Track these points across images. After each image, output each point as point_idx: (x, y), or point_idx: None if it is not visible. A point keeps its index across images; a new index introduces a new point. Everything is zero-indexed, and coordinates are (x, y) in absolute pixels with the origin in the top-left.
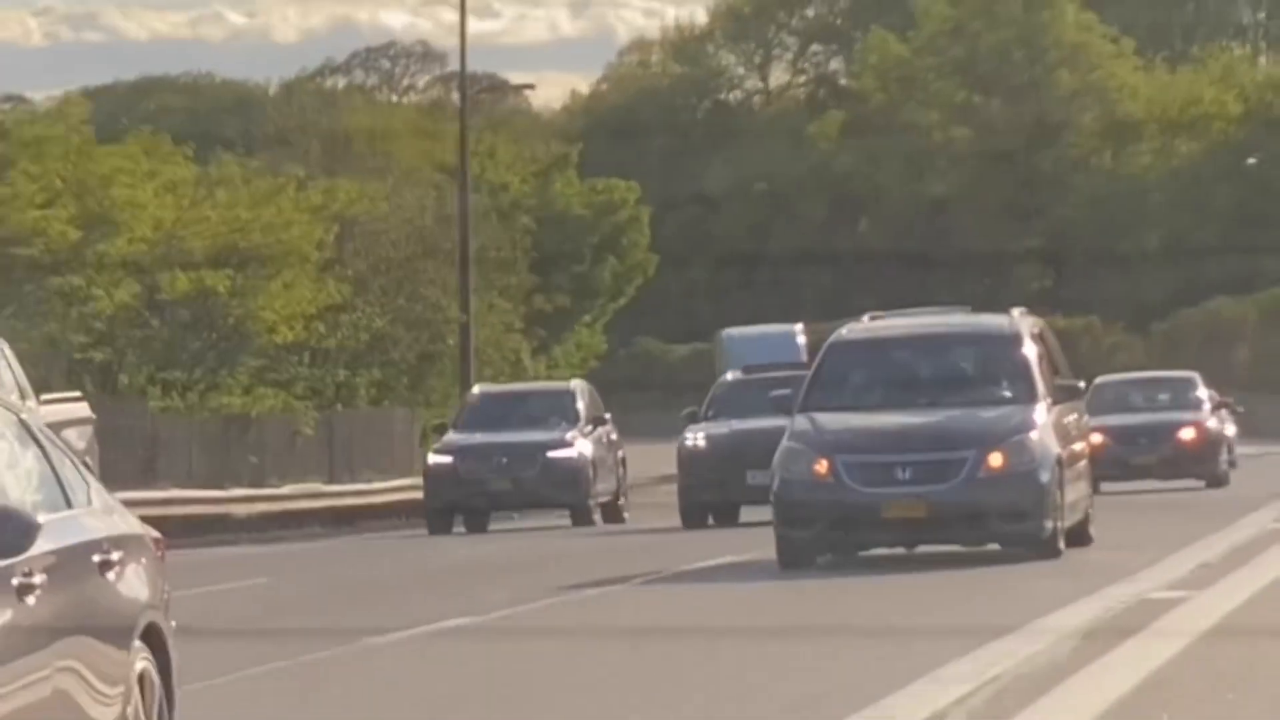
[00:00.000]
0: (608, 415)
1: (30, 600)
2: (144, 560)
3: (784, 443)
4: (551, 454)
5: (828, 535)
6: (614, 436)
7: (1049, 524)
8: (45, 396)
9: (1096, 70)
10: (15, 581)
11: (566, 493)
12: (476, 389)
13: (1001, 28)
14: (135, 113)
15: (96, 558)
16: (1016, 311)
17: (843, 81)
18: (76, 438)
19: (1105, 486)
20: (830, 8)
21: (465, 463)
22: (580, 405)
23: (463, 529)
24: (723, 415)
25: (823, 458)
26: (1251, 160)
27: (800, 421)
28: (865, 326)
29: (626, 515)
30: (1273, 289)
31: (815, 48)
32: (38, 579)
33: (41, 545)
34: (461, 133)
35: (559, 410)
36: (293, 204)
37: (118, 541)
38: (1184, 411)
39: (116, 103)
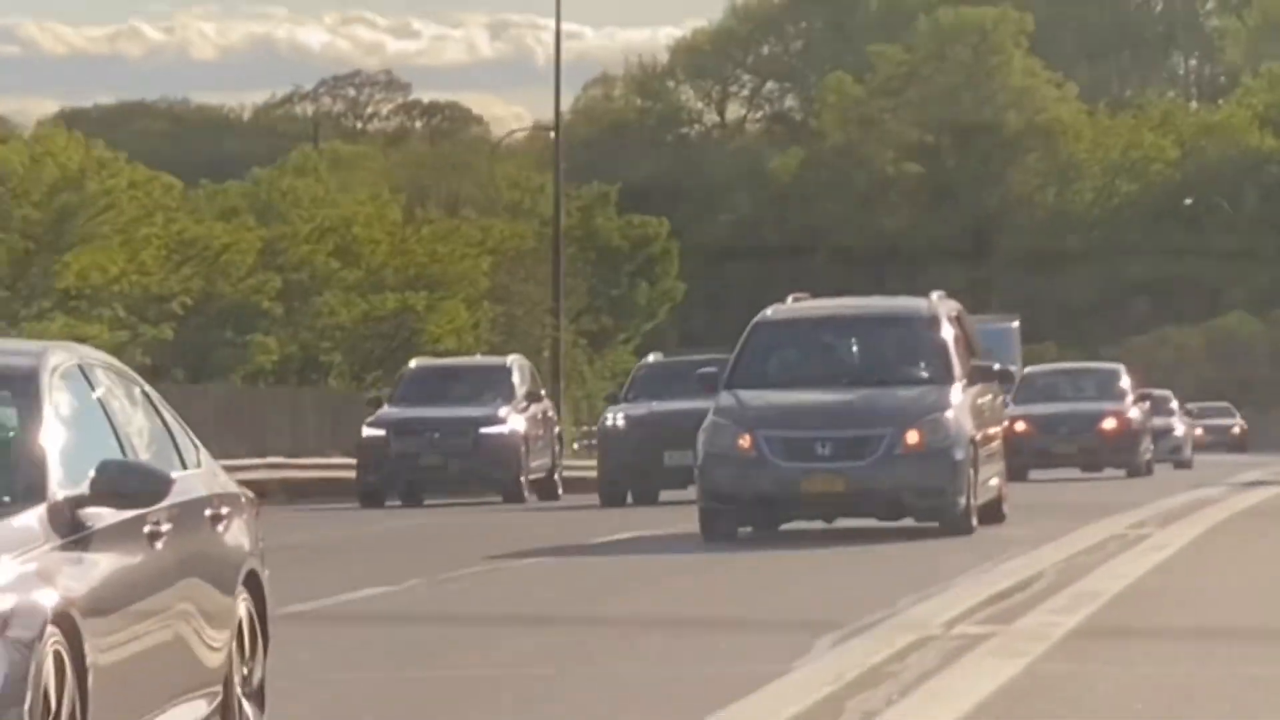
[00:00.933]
0: (543, 392)
1: (158, 545)
2: (244, 516)
3: (709, 418)
4: (484, 430)
5: (749, 509)
6: (550, 414)
7: (962, 500)
8: None
9: (1042, 113)
10: (147, 529)
11: (498, 469)
12: (414, 362)
13: (952, 72)
14: (119, 136)
15: (208, 511)
16: (935, 295)
17: (797, 117)
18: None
19: (1030, 475)
20: (785, 47)
21: (398, 438)
22: (516, 381)
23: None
24: (643, 397)
25: (746, 433)
26: (1188, 201)
27: (725, 398)
28: (789, 307)
29: (560, 492)
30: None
31: (770, 85)
32: (164, 527)
33: (166, 499)
34: (556, 176)
35: (494, 386)
36: (464, 239)
37: (223, 498)
38: (1106, 402)
39: (93, 125)
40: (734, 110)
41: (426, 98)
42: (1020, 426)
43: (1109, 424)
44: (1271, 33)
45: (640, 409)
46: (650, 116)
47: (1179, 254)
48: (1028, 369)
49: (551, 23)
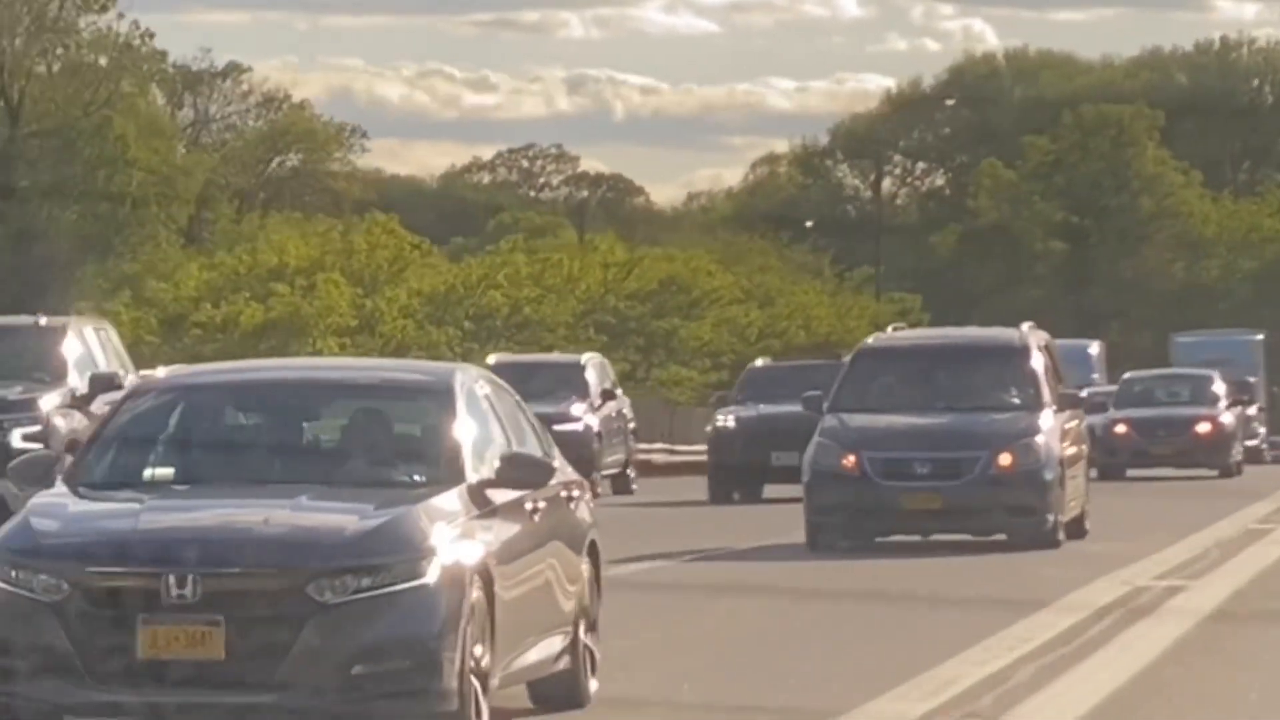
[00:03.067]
0: (618, 390)
1: (536, 518)
2: (585, 497)
3: (815, 439)
4: (557, 427)
5: (852, 523)
6: (625, 410)
7: (1051, 518)
8: (142, 373)
9: (1170, 197)
10: (529, 505)
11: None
12: (492, 359)
13: (1093, 160)
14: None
15: (564, 493)
16: (1025, 326)
17: (947, 193)
18: None
19: (1128, 473)
20: (935, 133)
21: None
22: (590, 378)
23: None
24: (752, 400)
25: (849, 453)
26: None
27: (830, 420)
28: (889, 336)
29: (634, 487)
30: None
31: (920, 165)
32: (540, 504)
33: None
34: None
35: (569, 383)
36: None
37: (572, 483)
38: (1201, 407)
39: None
40: (886, 188)
41: (593, 169)
42: (1121, 429)
43: (1203, 428)
44: None
45: (750, 411)
46: (813, 191)
47: None
48: (1126, 375)
49: (629, 76)
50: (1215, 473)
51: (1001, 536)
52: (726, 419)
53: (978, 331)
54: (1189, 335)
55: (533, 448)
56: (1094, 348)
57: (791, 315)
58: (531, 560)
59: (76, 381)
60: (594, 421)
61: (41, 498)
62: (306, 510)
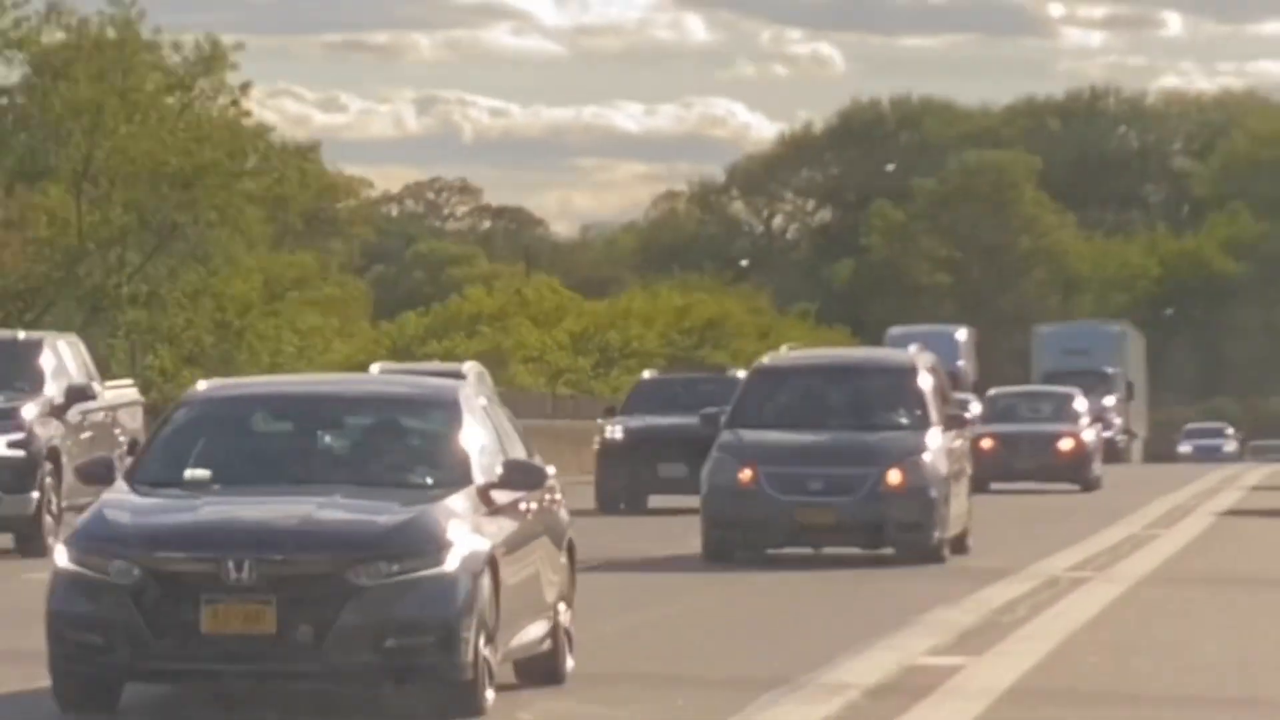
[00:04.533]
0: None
1: (529, 516)
2: (562, 498)
3: (713, 454)
4: None
5: (747, 535)
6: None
7: (936, 534)
8: (109, 383)
9: (1045, 237)
10: (522, 506)
11: None
12: (375, 367)
13: (976, 201)
14: None
15: (549, 495)
16: (914, 347)
17: (834, 231)
18: (129, 416)
19: (992, 486)
20: (824, 172)
21: None
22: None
23: None
24: (640, 412)
25: (746, 468)
26: (1169, 311)
27: (727, 436)
28: (785, 356)
29: None
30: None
31: (810, 202)
32: (532, 505)
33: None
34: None
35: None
36: None
37: (553, 486)
38: (1063, 424)
39: None
40: (778, 224)
41: (495, 201)
42: (987, 443)
43: (1065, 444)
44: (1229, 176)
45: (638, 422)
46: (710, 226)
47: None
48: (992, 391)
49: (479, 98)
50: (1077, 487)
51: (890, 551)
52: (614, 430)
53: (869, 352)
54: (1050, 326)
55: (521, 452)
56: (961, 334)
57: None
58: (526, 553)
59: (53, 392)
60: None
61: (110, 494)
62: (342, 507)
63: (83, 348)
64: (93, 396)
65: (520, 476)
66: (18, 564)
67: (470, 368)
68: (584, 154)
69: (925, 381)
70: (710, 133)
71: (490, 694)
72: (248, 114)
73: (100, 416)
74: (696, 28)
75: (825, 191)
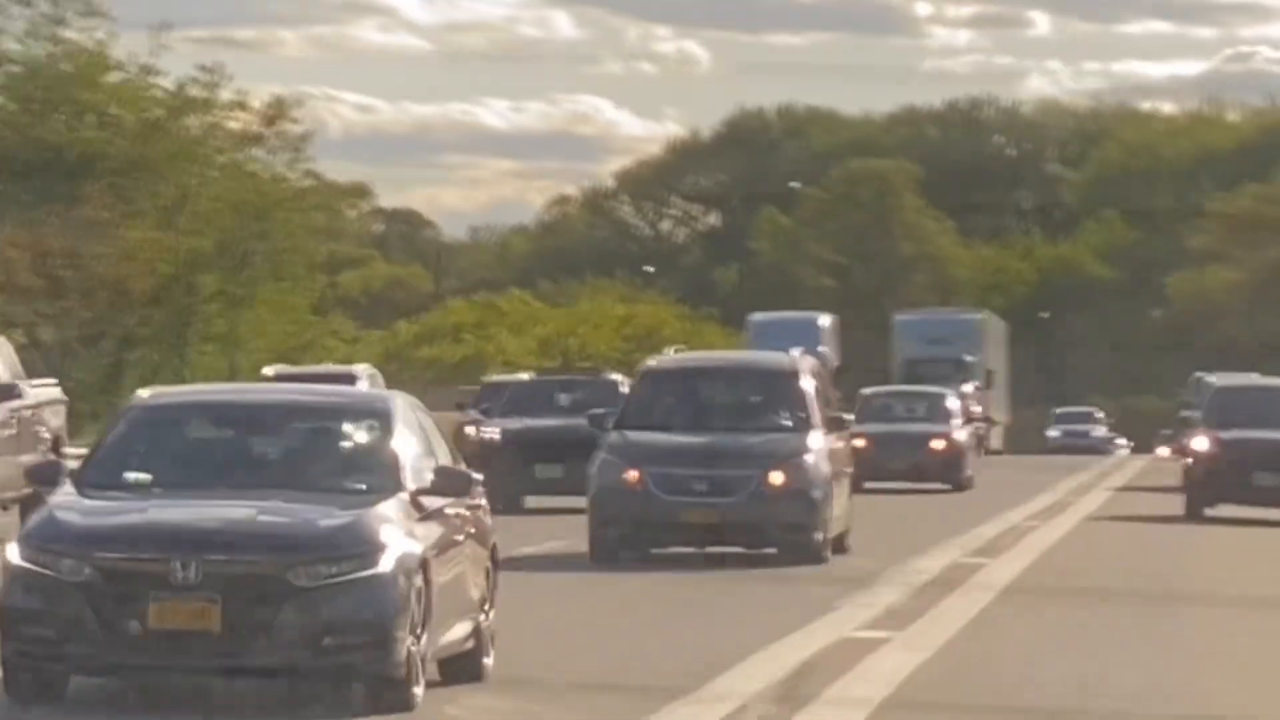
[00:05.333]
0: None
1: (456, 520)
2: (486, 503)
3: (600, 455)
4: None
5: (634, 535)
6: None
7: (818, 535)
8: (34, 382)
9: (927, 243)
10: (450, 511)
11: None
12: (270, 370)
13: (859, 210)
14: None
15: (475, 501)
16: (796, 351)
17: (723, 235)
18: (52, 414)
19: (865, 485)
20: (712, 179)
21: None
22: (364, 389)
23: None
24: (516, 413)
25: (632, 469)
26: (1044, 314)
27: (614, 437)
28: (672, 358)
29: None
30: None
31: (697, 208)
32: (461, 510)
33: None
34: None
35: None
36: None
37: (479, 491)
38: (936, 424)
39: None
40: (665, 229)
41: (389, 204)
42: (860, 443)
43: (938, 444)
44: (1102, 185)
45: (514, 424)
46: (601, 230)
47: (1037, 357)
48: (864, 390)
49: (346, 94)
50: (949, 487)
51: (772, 550)
52: (491, 432)
53: (752, 355)
54: (910, 314)
55: (446, 459)
56: (824, 320)
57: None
58: (454, 556)
59: None
60: None
61: (60, 496)
62: (283, 511)
63: (8, 347)
64: (20, 395)
65: (450, 483)
66: None
67: (363, 369)
68: (451, 151)
69: (807, 384)
70: (577, 130)
71: (420, 690)
72: (311, 159)
73: (27, 414)
74: (564, 25)
75: (713, 197)
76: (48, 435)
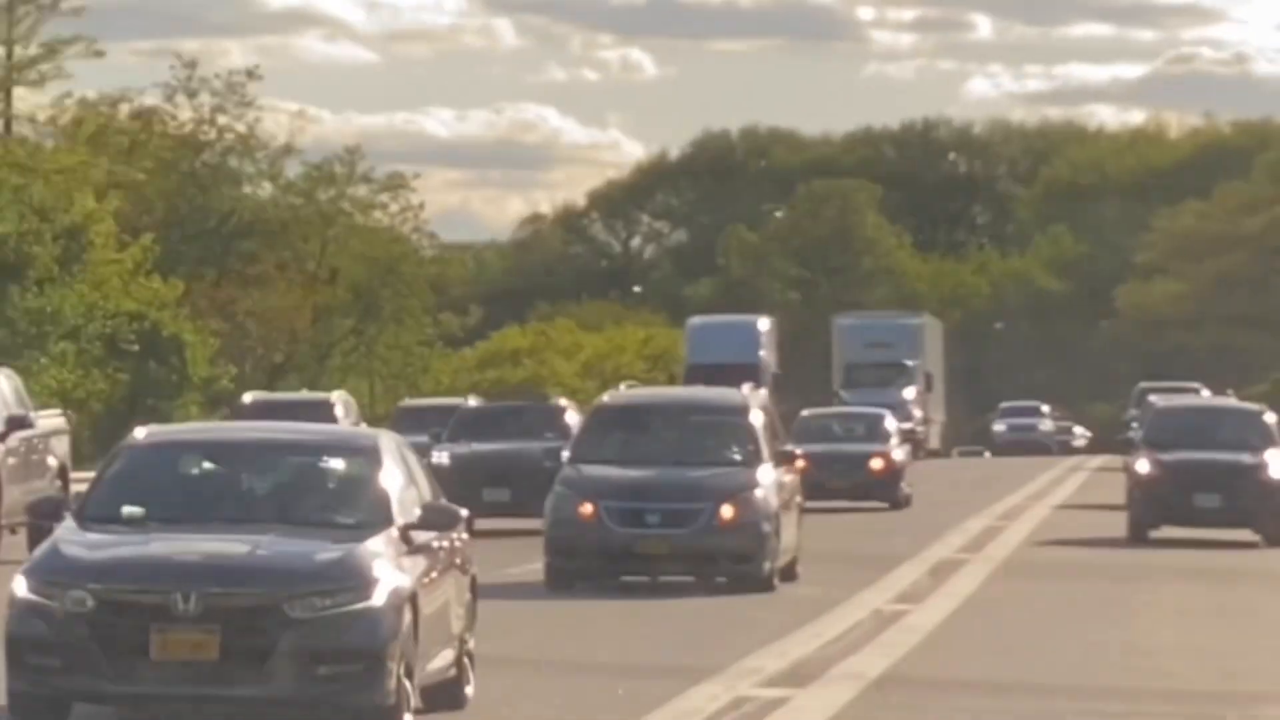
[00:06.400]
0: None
1: (441, 554)
2: (466, 536)
3: (555, 487)
4: None
5: (588, 565)
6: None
7: (767, 565)
8: (41, 413)
9: (887, 257)
10: (435, 545)
11: None
12: (248, 397)
13: (822, 226)
14: None
15: (456, 534)
16: (746, 387)
17: (689, 253)
18: (58, 443)
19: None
20: (680, 197)
21: None
22: (340, 414)
23: None
24: (465, 438)
25: (587, 501)
26: (998, 325)
27: (569, 470)
28: (624, 394)
29: None
30: None
31: (662, 224)
32: (444, 543)
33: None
34: None
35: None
36: None
37: (462, 525)
38: (874, 443)
39: None
40: (635, 245)
41: None
42: (800, 464)
43: (876, 463)
44: (1051, 201)
45: (463, 448)
46: (574, 247)
47: (997, 365)
48: (803, 412)
49: (290, 105)
50: (886, 505)
51: (723, 580)
52: (441, 456)
53: (703, 391)
54: (849, 318)
55: (428, 492)
56: (763, 323)
57: None
58: (439, 587)
59: None
60: None
61: (63, 530)
62: (278, 545)
63: (19, 380)
64: (31, 425)
65: (437, 518)
66: None
67: (338, 396)
68: (395, 161)
69: (757, 419)
70: (521, 138)
71: (409, 718)
72: (427, 221)
73: (36, 443)
74: (507, 33)
75: (681, 215)
76: (54, 462)
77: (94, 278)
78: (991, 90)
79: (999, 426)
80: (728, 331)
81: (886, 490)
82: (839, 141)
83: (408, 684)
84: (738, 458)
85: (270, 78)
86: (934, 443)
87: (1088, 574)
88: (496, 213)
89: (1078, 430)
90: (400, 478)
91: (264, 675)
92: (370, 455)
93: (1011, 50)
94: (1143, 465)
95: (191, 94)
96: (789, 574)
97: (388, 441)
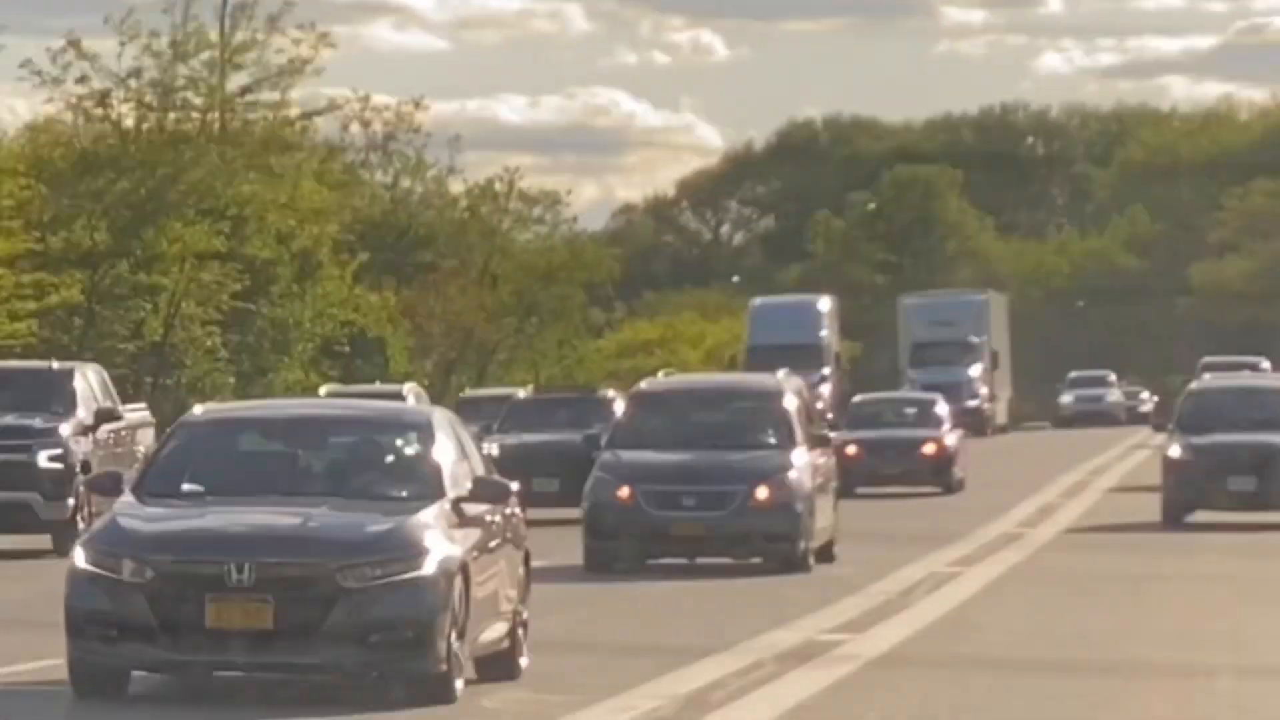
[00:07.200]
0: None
1: (493, 527)
2: (520, 510)
3: (594, 473)
4: None
5: (626, 547)
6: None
7: (802, 545)
8: (127, 406)
9: (969, 240)
10: (488, 518)
11: None
12: (324, 389)
13: (906, 211)
14: None
15: (510, 509)
16: (781, 372)
17: (778, 239)
18: (144, 434)
19: (858, 490)
20: (767, 185)
21: None
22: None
23: None
24: (515, 429)
25: (625, 485)
26: (1080, 303)
27: (607, 456)
28: (662, 381)
29: None
30: None
31: (750, 211)
32: (497, 516)
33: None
34: None
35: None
36: None
37: (514, 500)
38: (926, 429)
39: None
40: (724, 233)
41: None
42: (852, 450)
43: (929, 448)
44: (1128, 181)
45: (513, 440)
46: (666, 235)
47: (1080, 342)
48: (856, 398)
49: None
50: (940, 490)
51: (759, 561)
52: (491, 448)
53: (739, 377)
54: (915, 297)
55: (481, 469)
56: (824, 304)
57: None
58: (491, 560)
59: (84, 414)
60: None
61: (121, 504)
62: (331, 516)
63: (105, 375)
64: (118, 418)
65: (488, 491)
66: (57, 562)
67: (409, 389)
68: (470, 148)
69: (791, 403)
70: (594, 123)
71: (460, 685)
72: (578, 235)
73: (123, 434)
74: (577, 17)
75: (768, 203)
76: (140, 451)
77: (321, 291)
78: (1064, 65)
79: (1066, 398)
80: (789, 312)
81: (939, 475)
82: (919, 128)
83: (459, 653)
84: (772, 441)
85: (341, 67)
86: (1001, 419)
87: (1118, 556)
88: (572, 198)
89: (1144, 395)
90: (452, 452)
91: (316, 644)
92: (423, 430)
93: (1082, 23)
94: (1175, 449)
95: (365, 124)
96: (826, 555)
97: (440, 417)
